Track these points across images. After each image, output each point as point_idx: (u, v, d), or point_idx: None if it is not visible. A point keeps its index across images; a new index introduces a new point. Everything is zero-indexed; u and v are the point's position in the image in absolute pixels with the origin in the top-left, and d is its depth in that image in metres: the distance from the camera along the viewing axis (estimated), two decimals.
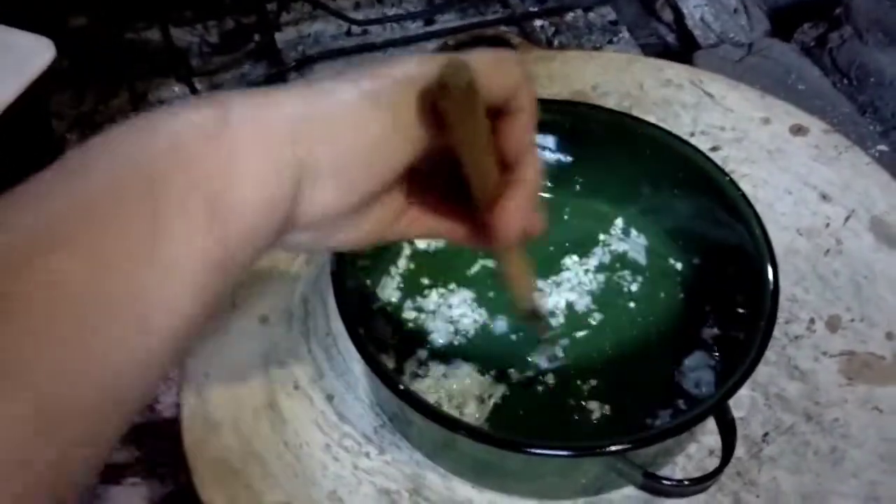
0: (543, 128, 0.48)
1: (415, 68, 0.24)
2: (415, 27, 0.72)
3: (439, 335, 0.44)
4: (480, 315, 0.45)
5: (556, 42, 0.70)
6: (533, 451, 0.34)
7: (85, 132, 0.68)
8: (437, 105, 0.23)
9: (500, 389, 0.42)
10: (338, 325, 0.46)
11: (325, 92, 0.23)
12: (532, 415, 0.42)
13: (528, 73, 0.26)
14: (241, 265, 0.21)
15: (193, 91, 0.66)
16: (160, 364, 0.19)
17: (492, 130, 0.26)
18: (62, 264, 0.18)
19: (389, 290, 0.46)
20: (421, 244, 0.48)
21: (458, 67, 0.23)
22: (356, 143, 0.23)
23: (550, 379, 0.43)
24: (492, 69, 0.25)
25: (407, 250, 0.47)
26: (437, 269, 0.47)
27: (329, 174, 0.23)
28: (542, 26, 0.71)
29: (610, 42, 0.70)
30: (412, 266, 0.47)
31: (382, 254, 0.46)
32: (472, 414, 0.41)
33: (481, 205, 0.26)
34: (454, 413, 0.41)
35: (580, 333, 0.44)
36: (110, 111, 0.70)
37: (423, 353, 0.43)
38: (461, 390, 0.42)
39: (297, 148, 0.22)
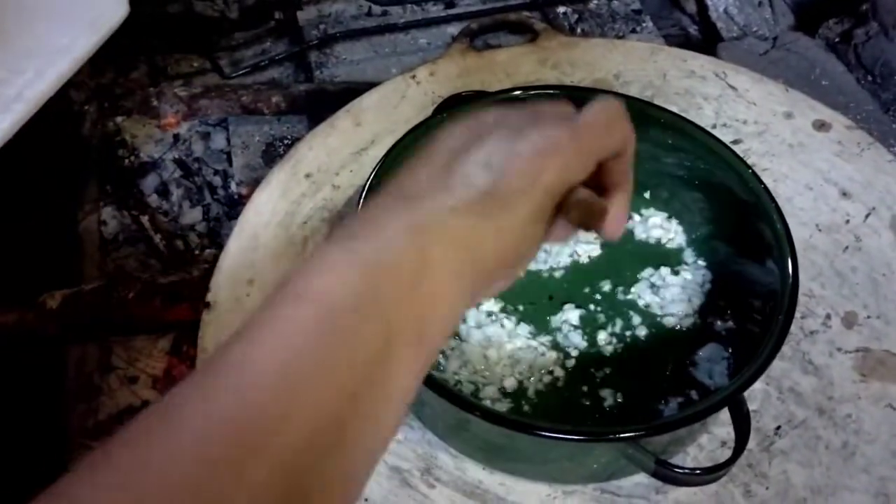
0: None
1: (533, 178, 0.28)
2: (436, 9, 0.72)
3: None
4: (499, 297, 0.45)
5: (578, 29, 0.70)
6: (548, 434, 0.34)
7: (103, 104, 0.68)
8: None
9: (515, 374, 0.42)
10: None
11: (472, 207, 0.27)
12: (545, 400, 0.42)
13: (630, 125, 0.31)
14: (434, 356, 0.27)
15: (216, 68, 0.65)
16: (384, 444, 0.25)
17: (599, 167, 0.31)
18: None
19: None
20: None
21: (586, 207, 0.29)
22: (509, 252, 0.29)
23: (565, 366, 0.43)
24: (607, 130, 0.30)
25: None
26: None
27: (496, 278, 0.29)
28: (565, 13, 0.70)
29: (633, 31, 0.69)
30: None
31: None
32: (487, 397, 0.41)
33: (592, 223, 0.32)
34: (469, 396, 0.41)
35: (596, 323, 0.45)
36: (129, 84, 0.70)
37: None
38: (477, 374, 0.42)
39: (472, 272, 0.27)
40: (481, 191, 0.27)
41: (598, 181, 0.31)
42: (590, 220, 0.30)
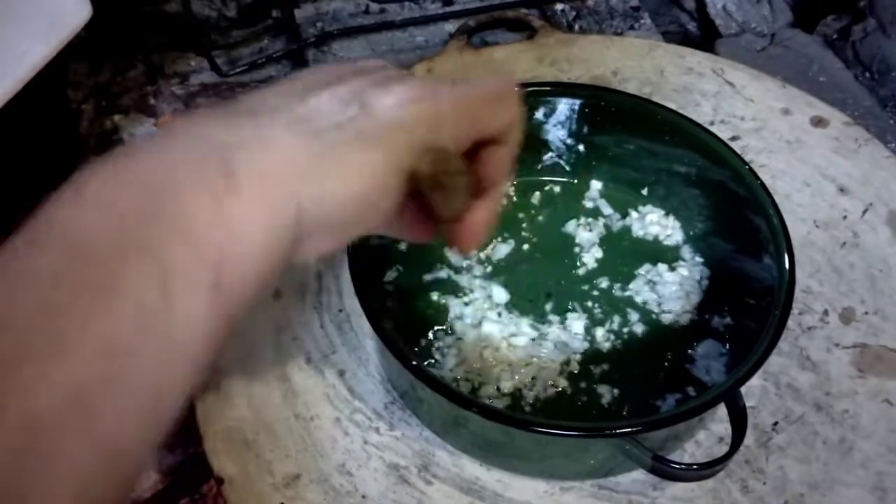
0: (563, 111, 0.48)
1: (401, 116, 0.24)
2: (433, 7, 0.72)
3: (454, 315, 0.44)
4: (496, 295, 0.45)
5: (576, 26, 0.70)
6: (545, 430, 0.34)
7: (100, 103, 0.68)
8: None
9: (512, 370, 0.42)
10: (351, 302, 0.46)
11: (320, 133, 0.23)
12: (543, 396, 0.42)
13: (521, 109, 0.27)
14: (241, 310, 0.22)
15: (214, 66, 0.65)
16: (174, 403, 0.21)
17: (473, 154, 0.27)
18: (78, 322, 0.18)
19: (404, 269, 0.46)
20: None
21: (443, 159, 0.24)
22: (352, 197, 0.23)
23: (563, 362, 0.43)
24: (490, 105, 0.26)
25: None
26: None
27: (326, 229, 0.23)
28: (563, 10, 0.70)
29: (631, 28, 0.69)
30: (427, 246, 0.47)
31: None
32: (484, 395, 0.41)
33: (449, 221, 0.28)
34: (466, 392, 0.41)
35: (594, 320, 0.45)
36: (126, 83, 0.70)
37: (436, 334, 0.44)
38: (474, 372, 0.42)
39: (298, 209, 0.22)
40: (331, 122, 0.23)
41: (474, 174, 0.27)
42: (444, 177, 0.25)
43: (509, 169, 0.28)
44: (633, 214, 0.49)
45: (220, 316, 0.21)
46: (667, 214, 0.49)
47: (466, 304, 0.45)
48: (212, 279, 0.20)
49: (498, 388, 0.42)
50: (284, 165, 0.22)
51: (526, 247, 0.47)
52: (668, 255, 0.47)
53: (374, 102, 0.24)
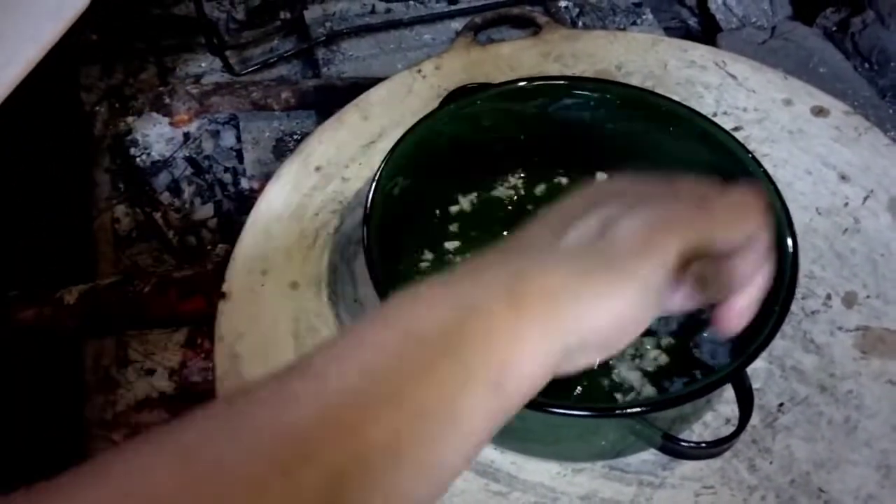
0: (568, 105, 0.49)
1: (642, 247, 0.27)
2: (440, 6, 0.73)
3: None
4: None
5: (580, 23, 0.71)
6: (559, 411, 0.35)
7: (114, 105, 0.69)
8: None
9: None
10: (365, 292, 0.47)
11: (603, 277, 0.27)
12: (552, 381, 0.43)
13: (765, 219, 0.30)
14: (514, 410, 0.26)
15: (227, 66, 0.67)
16: (452, 473, 0.25)
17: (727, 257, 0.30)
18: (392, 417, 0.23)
19: (419, 257, 0.47)
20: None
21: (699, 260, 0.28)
22: (626, 328, 0.27)
23: None
24: (733, 222, 0.29)
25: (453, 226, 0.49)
26: (476, 244, 0.48)
27: (594, 350, 0.28)
28: (566, 7, 0.72)
29: (633, 24, 0.70)
30: (450, 240, 0.49)
31: (423, 231, 0.48)
32: None
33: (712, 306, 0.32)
34: None
35: None
36: (139, 85, 0.71)
37: None
38: None
39: (572, 337, 0.26)
40: (591, 250, 0.27)
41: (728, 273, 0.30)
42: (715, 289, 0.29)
43: (756, 269, 0.30)
44: None
45: (497, 410, 0.25)
46: None
47: None
48: (494, 384, 0.25)
49: None
50: (553, 299, 0.26)
51: None
52: None
53: (624, 230, 0.28)
